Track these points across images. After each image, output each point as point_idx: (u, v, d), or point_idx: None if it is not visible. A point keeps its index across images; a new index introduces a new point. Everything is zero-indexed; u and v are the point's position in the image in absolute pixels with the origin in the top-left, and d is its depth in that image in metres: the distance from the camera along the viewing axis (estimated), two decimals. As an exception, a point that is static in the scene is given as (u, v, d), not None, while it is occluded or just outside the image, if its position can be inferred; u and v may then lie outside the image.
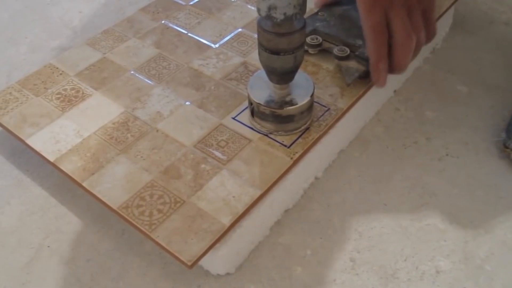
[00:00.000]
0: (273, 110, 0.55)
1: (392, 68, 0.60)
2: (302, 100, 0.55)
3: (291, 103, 0.55)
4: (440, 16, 0.71)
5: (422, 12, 0.60)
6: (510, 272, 0.53)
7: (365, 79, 0.62)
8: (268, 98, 0.56)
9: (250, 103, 0.57)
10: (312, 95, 0.56)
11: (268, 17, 0.48)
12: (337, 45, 0.64)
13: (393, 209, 0.58)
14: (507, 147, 0.61)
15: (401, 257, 0.54)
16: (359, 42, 0.63)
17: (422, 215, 0.58)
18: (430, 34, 0.62)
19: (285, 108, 0.55)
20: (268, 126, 0.57)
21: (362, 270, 0.53)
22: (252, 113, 0.57)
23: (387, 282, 0.52)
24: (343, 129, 0.61)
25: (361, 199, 0.59)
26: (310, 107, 0.57)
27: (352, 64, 0.63)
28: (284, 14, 0.48)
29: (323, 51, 0.66)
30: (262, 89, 0.57)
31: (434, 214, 0.58)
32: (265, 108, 0.55)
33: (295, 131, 0.57)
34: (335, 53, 0.63)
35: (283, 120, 0.56)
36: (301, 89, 0.56)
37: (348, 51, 0.63)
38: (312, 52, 0.65)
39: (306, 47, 0.65)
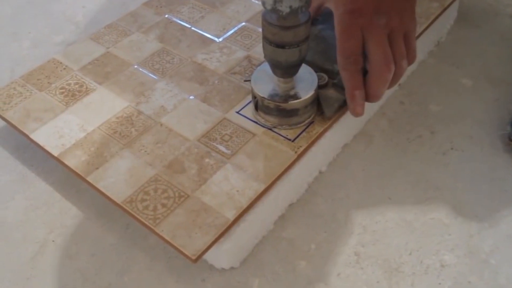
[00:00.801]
0: (278, 104, 0.55)
1: (366, 96, 0.56)
2: (306, 94, 0.55)
3: (295, 96, 0.55)
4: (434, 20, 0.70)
5: (404, 35, 0.54)
6: (515, 266, 0.53)
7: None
8: (272, 91, 0.56)
9: (254, 97, 0.57)
10: (316, 89, 0.56)
11: (274, 10, 0.48)
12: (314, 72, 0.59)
13: (397, 203, 0.58)
14: (511, 140, 0.61)
15: (406, 251, 0.54)
16: (337, 67, 0.58)
17: (427, 209, 0.58)
18: (410, 60, 0.56)
19: (289, 102, 0.55)
20: (272, 120, 0.57)
21: (366, 264, 0.53)
22: (256, 107, 0.57)
23: (392, 276, 0.52)
24: (347, 123, 0.61)
25: (365, 193, 0.59)
26: (314, 100, 0.57)
27: (331, 93, 0.58)
28: (290, 7, 0.48)
29: None
30: (266, 83, 0.56)
31: (439, 208, 0.57)
32: (269, 102, 0.55)
33: (299, 125, 0.57)
34: None
35: (287, 114, 0.56)
36: (305, 83, 0.56)
37: (326, 79, 0.59)
38: None
39: None
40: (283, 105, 0.55)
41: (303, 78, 0.56)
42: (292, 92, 0.56)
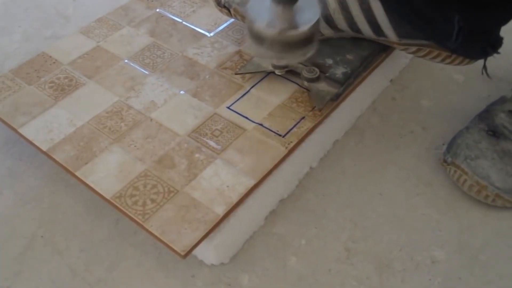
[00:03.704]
0: (278, 33, 0.50)
1: None
2: (306, 26, 0.50)
3: (295, 26, 0.50)
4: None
5: None
6: (505, 262, 0.53)
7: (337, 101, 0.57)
8: (270, 21, 0.50)
9: (252, 30, 0.51)
10: (318, 20, 0.51)
11: None
12: (306, 66, 0.59)
13: (389, 199, 0.58)
14: (445, 161, 0.58)
15: (396, 247, 0.54)
16: (330, 61, 0.59)
17: (418, 204, 0.57)
18: None
19: (290, 32, 0.50)
20: (272, 54, 0.52)
21: (357, 260, 0.53)
22: (256, 41, 0.52)
23: (382, 272, 0.52)
24: (338, 118, 0.61)
25: (356, 189, 0.59)
26: (314, 34, 0.52)
27: (323, 86, 0.58)
28: None
29: (291, 72, 0.61)
30: (263, 13, 0.51)
31: (430, 204, 0.57)
32: (269, 32, 0.50)
33: (301, 59, 0.53)
34: (304, 75, 0.59)
35: (285, 46, 0.51)
36: (306, 13, 0.51)
37: (318, 72, 0.58)
38: (279, 74, 0.60)
39: (272, 68, 0.60)
40: (284, 35, 0.50)
41: (304, 7, 0.51)
42: (293, 22, 0.50)
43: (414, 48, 0.58)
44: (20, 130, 0.57)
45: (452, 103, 0.68)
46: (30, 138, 0.57)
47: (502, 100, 0.61)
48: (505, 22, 0.56)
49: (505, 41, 0.58)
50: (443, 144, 0.61)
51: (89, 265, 0.53)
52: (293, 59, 0.53)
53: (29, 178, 0.60)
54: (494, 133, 0.57)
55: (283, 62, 0.54)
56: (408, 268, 0.52)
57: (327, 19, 0.58)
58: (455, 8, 0.52)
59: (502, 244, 0.54)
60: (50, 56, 0.66)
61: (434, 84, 0.70)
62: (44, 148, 0.56)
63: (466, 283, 0.51)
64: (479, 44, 0.57)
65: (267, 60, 0.53)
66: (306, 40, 0.51)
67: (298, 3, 0.50)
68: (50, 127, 0.58)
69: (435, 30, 0.55)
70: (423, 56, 0.59)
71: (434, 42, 0.57)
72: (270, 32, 0.50)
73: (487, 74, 0.58)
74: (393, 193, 0.59)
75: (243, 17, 0.63)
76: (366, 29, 0.58)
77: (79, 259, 0.54)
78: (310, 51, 0.52)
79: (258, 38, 0.51)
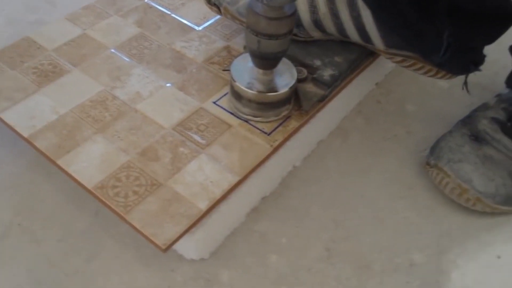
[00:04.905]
0: (255, 95, 0.54)
1: None
2: (284, 87, 0.55)
3: (273, 89, 0.55)
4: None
5: None
6: (482, 268, 0.53)
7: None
8: (251, 83, 0.55)
9: (232, 87, 0.56)
10: (294, 84, 0.55)
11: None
12: (294, 66, 0.59)
13: (371, 201, 0.58)
14: (428, 164, 0.58)
15: (376, 249, 0.54)
16: (318, 63, 0.60)
17: (399, 207, 0.58)
18: None
19: (267, 94, 0.54)
20: (249, 111, 0.56)
21: (337, 260, 0.53)
22: (233, 97, 0.57)
23: (361, 273, 0.52)
24: (324, 119, 0.61)
25: (339, 189, 0.59)
26: (291, 95, 0.56)
27: (310, 87, 0.58)
28: None
29: None
30: (245, 74, 0.56)
31: (411, 207, 0.58)
32: (247, 93, 0.55)
33: (275, 118, 0.56)
34: None
35: (264, 106, 0.55)
36: (285, 76, 0.56)
37: (306, 73, 0.59)
38: None
39: None
40: (261, 97, 0.55)
41: (282, 71, 0.56)
42: (270, 85, 0.55)
43: (399, 58, 0.59)
44: (1, 116, 0.56)
45: (436, 108, 0.68)
46: (11, 124, 0.56)
47: (485, 106, 0.62)
48: (492, 40, 0.57)
49: (489, 51, 0.59)
50: (426, 149, 0.62)
51: (67, 255, 0.52)
52: (267, 118, 0.56)
53: (8, 165, 0.59)
54: (477, 138, 0.58)
55: (257, 119, 0.57)
56: (387, 270, 0.53)
57: (317, 23, 0.58)
58: (446, 24, 0.53)
59: (480, 250, 0.55)
60: (35, 41, 0.65)
61: (419, 89, 0.71)
62: (26, 135, 0.55)
63: (443, 287, 0.52)
64: (463, 61, 0.58)
65: (242, 115, 0.57)
66: (281, 102, 0.56)
67: (278, 67, 0.55)
68: (32, 113, 0.57)
69: (424, 43, 0.55)
70: (407, 67, 0.60)
71: (421, 55, 0.57)
72: (247, 93, 0.55)
73: (467, 90, 0.59)
74: (375, 195, 0.59)
75: (233, 17, 0.63)
76: (354, 35, 0.58)
77: (56, 249, 0.53)
78: (284, 112, 0.57)
79: (237, 95, 0.56)
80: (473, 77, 0.61)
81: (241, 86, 0.55)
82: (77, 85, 0.60)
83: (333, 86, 0.59)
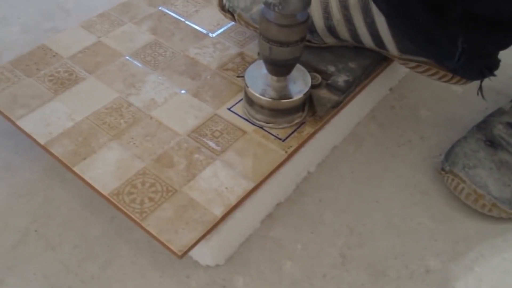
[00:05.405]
0: (269, 102, 0.55)
1: None
2: (298, 94, 0.55)
3: (287, 96, 0.55)
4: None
5: None
6: (499, 274, 0.53)
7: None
8: (265, 90, 0.55)
9: (246, 94, 0.56)
10: (308, 90, 0.56)
11: (268, 5, 0.48)
12: (308, 72, 0.59)
13: (385, 207, 0.58)
14: (443, 170, 0.58)
15: (391, 255, 0.54)
16: (332, 69, 0.60)
17: (414, 213, 0.58)
18: None
19: (281, 101, 0.55)
20: (263, 118, 0.56)
21: (352, 266, 0.53)
22: (248, 104, 0.57)
23: (377, 280, 0.52)
24: (338, 125, 0.61)
25: (353, 196, 0.59)
26: (305, 101, 0.56)
27: (324, 93, 0.58)
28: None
29: None
30: (259, 81, 0.56)
31: (426, 213, 0.58)
32: (261, 100, 0.55)
33: (289, 125, 0.57)
34: None
35: (278, 113, 0.55)
36: (298, 83, 0.56)
37: (320, 79, 0.59)
38: None
39: None
40: (274, 103, 0.55)
41: (296, 78, 0.56)
42: (284, 92, 0.55)
43: (413, 64, 0.59)
44: (18, 123, 0.57)
45: (450, 114, 0.68)
46: (28, 131, 0.56)
47: (500, 111, 0.61)
48: (507, 46, 0.57)
49: (503, 55, 0.59)
50: (440, 155, 0.62)
51: (82, 261, 0.53)
52: (280, 125, 0.57)
53: (24, 171, 0.60)
54: (492, 143, 0.58)
55: (270, 126, 0.57)
56: (402, 276, 0.52)
57: (330, 29, 0.59)
58: (460, 29, 0.53)
59: (497, 256, 0.54)
60: (50, 49, 0.66)
61: (432, 95, 0.71)
62: (42, 142, 0.55)
63: (459, 293, 0.51)
64: (478, 66, 0.57)
65: (256, 122, 0.57)
66: (293, 109, 0.56)
67: (291, 74, 0.55)
68: (48, 120, 0.57)
69: (438, 49, 0.55)
70: (421, 72, 0.60)
71: (435, 61, 0.57)
72: (260, 100, 0.55)
73: (482, 96, 0.59)
74: (389, 201, 0.59)
75: (247, 23, 0.63)
76: (368, 41, 0.58)
77: (72, 255, 0.53)
78: (297, 119, 0.57)
79: (250, 101, 0.56)
80: (487, 82, 0.60)
81: (254, 92, 0.55)
82: (93, 92, 0.60)
83: (347, 92, 0.59)
